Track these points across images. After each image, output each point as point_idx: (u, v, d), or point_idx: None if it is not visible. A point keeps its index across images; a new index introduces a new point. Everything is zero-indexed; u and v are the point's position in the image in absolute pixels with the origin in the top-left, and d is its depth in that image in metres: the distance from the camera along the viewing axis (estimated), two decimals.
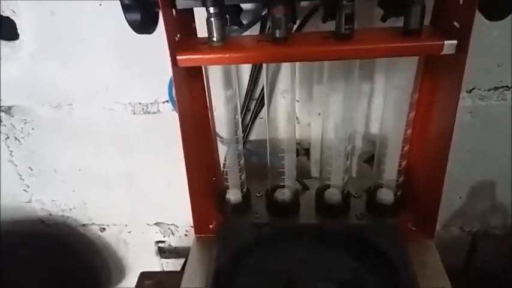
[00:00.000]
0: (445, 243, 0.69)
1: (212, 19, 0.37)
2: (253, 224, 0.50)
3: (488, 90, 0.55)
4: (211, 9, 0.36)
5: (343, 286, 0.42)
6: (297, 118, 0.59)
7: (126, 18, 0.35)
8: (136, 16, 0.35)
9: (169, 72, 0.38)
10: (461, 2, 0.36)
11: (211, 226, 0.52)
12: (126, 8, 0.34)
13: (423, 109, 0.45)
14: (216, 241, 0.48)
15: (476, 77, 0.54)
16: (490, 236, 0.69)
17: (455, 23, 0.37)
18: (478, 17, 0.35)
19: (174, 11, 0.37)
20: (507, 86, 0.54)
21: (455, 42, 0.36)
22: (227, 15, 0.40)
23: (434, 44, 0.37)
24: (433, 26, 0.41)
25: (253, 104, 0.57)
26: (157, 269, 0.81)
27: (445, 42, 0.36)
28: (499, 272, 0.68)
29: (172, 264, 0.81)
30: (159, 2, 0.34)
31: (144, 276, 0.72)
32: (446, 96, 0.41)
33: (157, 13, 0.36)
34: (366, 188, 0.53)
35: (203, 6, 0.36)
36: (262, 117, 0.58)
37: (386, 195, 0.49)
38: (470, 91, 0.55)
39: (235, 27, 0.43)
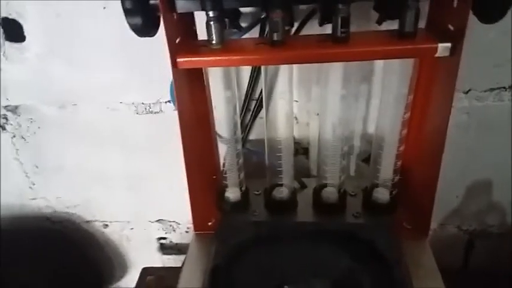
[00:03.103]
0: (442, 242, 0.70)
1: (212, 22, 0.38)
2: (251, 222, 0.51)
3: (485, 91, 0.55)
4: (211, 13, 0.37)
5: (338, 284, 0.43)
6: (295, 118, 0.60)
7: (128, 22, 0.36)
8: (138, 20, 0.36)
9: (171, 73, 0.39)
10: (455, 5, 0.36)
11: (210, 223, 0.53)
12: (127, 12, 0.35)
13: (418, 110, 0.46)
14: (214, 238, 0.49)
15: (472, 78, 0.54)
16: (487, 234, 0.69)
17: (450, 26, 0.38)
18: (474, 19, 0.35)
19: (174, 14, 0.38)
20: (504, 87, 0.55)
21: (449, 45, 0.37)
22: (226, 19, 0.41)
23: (428, 46, 0.37)
24: (428, 28, 0.42)
25: (253, 104, 0.58)
26: (159, 265, 0.83)
27: (439, 44, 0.37)
28: (496, 270, 0.68)
29: (173, 260, 0.82)
30: (160, 6, 0.35)
31: (145, 271, 0.73)
32: (440, 98, 0.42)
33: (159, 17, 0.37)
34: (362, 186, 0.54)
35: (203, 10, 0.37)
36: (262, 117, 0.59)
37: (382, 194, 0.50)
38: (467, 92, 0.56)
39: (235, 30, 0.44)
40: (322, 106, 0.48)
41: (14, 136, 0.66)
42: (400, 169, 0.49)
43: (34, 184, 0.72)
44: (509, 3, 0.34)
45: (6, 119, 0.64)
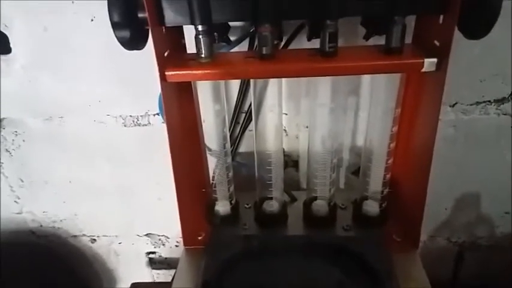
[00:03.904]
0: (432, 253, 0.70)
1: (200, 36, 0.38)
2: (241, 235, 0.50)
3: (471, 104, 0.56)
4: (200, 27, 0.37)
5: None
6: (285, 131, 0.60)
7: (115, 35, 0.36)
8: (126, 33, 0.36)
9: (159, 86, 0.39)
10: (441, 22, 0.37)
11: (200, 238, 0.53)
12: (115, 26, 0.35)
13: (406, 124, 0.47)
14: (204, 253, 0.49)
15: (459, 91, 0.55)
16: (476, 246, 0.70)
17: (436, 42, 0.38)
18: (460, 35, 0.36)
19: (163, 28, 0.39)
20: (489, 101, 0.56)
21: (435, 60, 0.37)
22: (215, 33, 0.41)
23: (414, 62, 0.38)
24: (414, 44, 0.43)
25: (242, 116, 0.58)
26: (148, 279, 0.81)
27: (425, 60, 0.37)
28: (485, 282, 0.69)
29: (163, 275, 0.81)
30: (148, 20, 0.35)
31: (134, 287, 0.72)
32: (427, 111, 0.42)
33: (147, 30, 0.37)
34: (352, 199, 0.54)
35: (192, 24, 0.37)
36: (251, 130, 0.59)
37: (371, 207, 0.50)
38: (453, 105, 0.56)
39: (224, 44, 0.44)
40: (311, 119, 0.48)
41: None
42: (390, 182, 0.49)
43: (19, 198, 0.71)
44: (493, 20, 0.34)
45: None
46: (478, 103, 0.56)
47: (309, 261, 0.48)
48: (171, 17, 0.37)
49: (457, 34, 0.36)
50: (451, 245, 0.70)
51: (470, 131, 0.58)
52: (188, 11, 0.36)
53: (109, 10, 0.35)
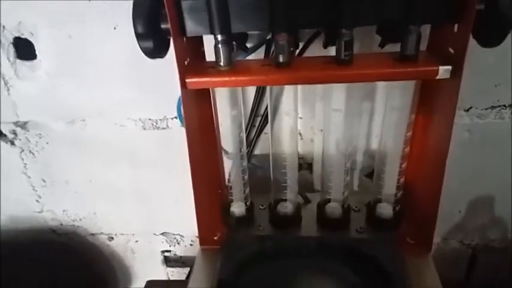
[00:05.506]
0: (445, 256, 0.70)
1: (220, 45, 0.39)
2: (256, 236, 0.51)
3: (486, 109, 0.56)
4: (219, 37, 0.38)
5: None
6: (300, 134, 0.61)
7: (139, 45, 0.37)
8: (149, 44, 0.37)
9: (178, 90, 0.40)
10: (455, 30, 0.38)
11: (215, 238, 0.54)
12: (139, 37, 0.37)
13: (420, 129, 0.47)
14: (220, 253, 0.50)
15: (473, 96, 0.55)
16: (489, 249, 0.69)
17: (450, 49, 0.39)
18: (474, 42, 0.37)
19: (184, 38, 0.40)
20: (504, 105, 0.56)
21: (449, 67, 0.38)
22: (234, 42, 0.42)
23: (429, 69, 0.38)
24: (429, 51, 0.43)
25: (258, 120, 0.59)
26: (163, 277, 0.83)
27: (440, 67, 0.38)
28: (498, 285, 0.68)
29: (177, 273, 0.82)
30: (171, 31, 0.37)
31: (150, 284, 0.73)
32: (441, 118, 0.43)
33: (169, 40, 0.39)
34: (366, 202, 0.54)
35: (211, 34, 0.38)
36: (266, 133, 0.60)
37: (385, 210, 0.51)
38: (468, 110, 0.56)
39: (241, 51, 0.45)
40: (326, 122, 0.49)
41: (23, 151, 0.67)
42: (403, 185, 0.50)
43: (40, 197, 0.73)
44: (508, 28, 0.35)
45: (16, 134, 0.66)
46: (493, 107, 0.56)
47: (322, 262, 0.49)
48: (191, 27, 0.38)
49: (472, 41, 0.36)
50: (464, 247, 0.70)
51: (484, 135, 0.58)
52: (208, 21, 0.37)
53: (134, 22, 0.36)
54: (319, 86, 0.55)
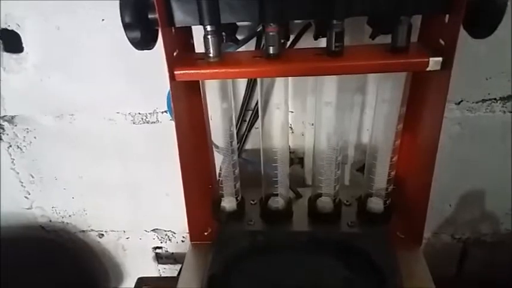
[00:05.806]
0: (436, 250, 0.71)
1: (209, 36, 0.38)
2: (247, 231, 0.51)
3: (477, 102, 0.56)
4: (208, 28, 0.38)
5: None
6: (291, 128, 0.61)
7: (127, 36, 0.36)
8: (137, 34, 0.36)
9: (168, 84, 0.40)
10: (446, 21, 0.37)
11: (206, 233, 0.54)
12: (127, 27, 0.36)
13: (411, 121, 0.47)
14: (211, 248, 0.49)
15: (464, 89, 0.55)
16: (481, 243, 0.70)
17: (441, 41, 0.39)
18: (466, 34, 0.36)
19: (172, 28, 0.39)
20: (495, 99, 0.56)
21: (440, 59, 0.38)
22: (223, 33, 0.41)
23: (420, 61, 0.38)
24: (420, 43, 0.43)
25: (248, 114, 0.58)
26: (155, 274, 0.83)
27: (430, 59, 0.38)
28: (489, 279, 0.69)
29: (169, 270, 0.82)
30: (159, 21, 0.36)
31: (141, 281, 0.73)
32: (432, 110, 0.43)
33: (157, 30, 0.38)
34: (357, 196, 0.54)
35: (200, 24, 0.38)
36: (257, 128, 0.59)
37: (376, 204, 0.51)
38: (459, 103, 0.57)
39: (231, 43, 0.45)
40: (317, 116, 0.49)
41: (10, 146, 0.66)
42: (394, 179, 0.50)
43: (29, 193, 0.72)
44: (498, 19, 0.35)
45: (3, 129, 0.64)
46: (483, 101, 0.56)
47: (314, 256, 0.49)
48: (180, 17, 0.38)
49: (463, 32, 0.36)
50: (455, 241, 0.71)
51: (475, 129, 0.58)
52: (197, 11, 0.37)
53: (121, 12, 0.35)
54: (310, 79, 0.55)
